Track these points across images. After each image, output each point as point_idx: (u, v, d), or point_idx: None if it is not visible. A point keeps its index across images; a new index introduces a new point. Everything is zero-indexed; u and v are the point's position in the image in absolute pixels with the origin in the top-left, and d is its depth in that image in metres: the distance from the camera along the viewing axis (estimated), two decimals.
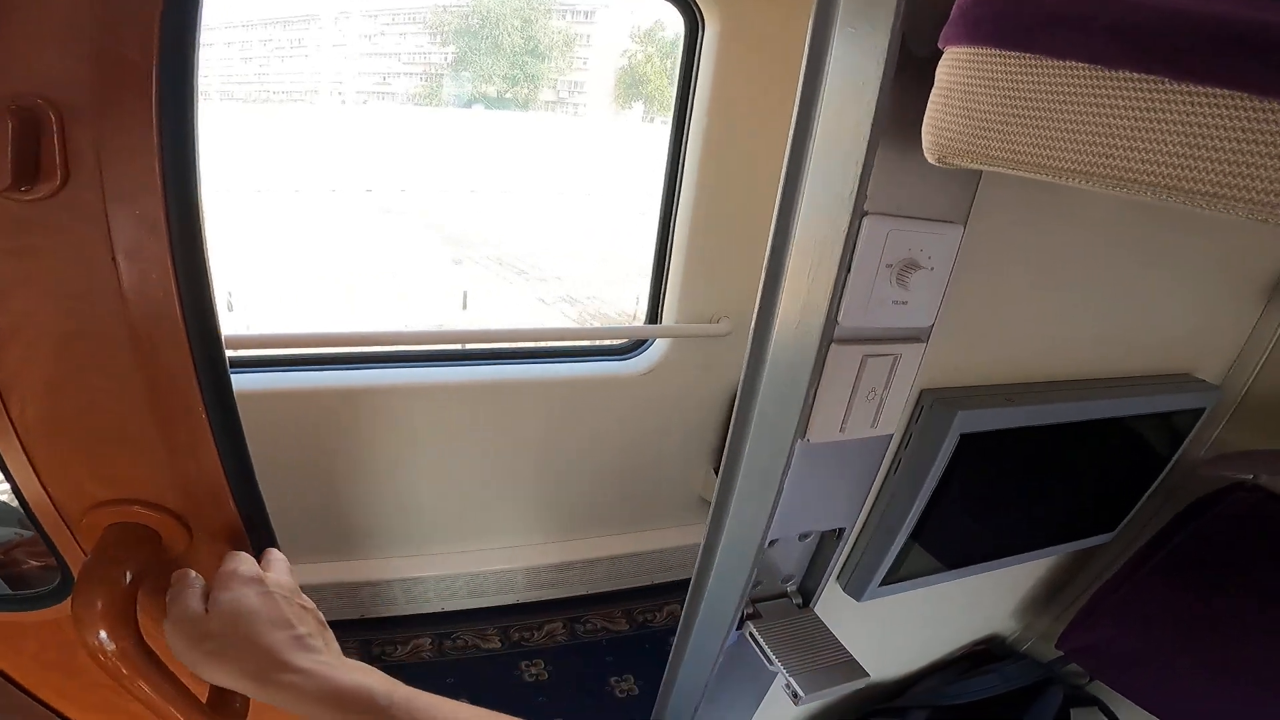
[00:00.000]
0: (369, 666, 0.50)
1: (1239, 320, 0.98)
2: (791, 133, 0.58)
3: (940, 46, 0.44)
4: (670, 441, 2.07)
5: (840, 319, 0.61)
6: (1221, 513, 1.06)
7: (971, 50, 0.41)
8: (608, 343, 2.01)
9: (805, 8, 0.54)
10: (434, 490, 1.88)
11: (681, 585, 2.07)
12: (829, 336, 0.61)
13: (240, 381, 1.49)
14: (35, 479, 0.52)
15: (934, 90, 0.45)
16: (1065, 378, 0.83)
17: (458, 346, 1.89)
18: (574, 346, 1.96)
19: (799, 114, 0.57)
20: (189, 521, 0.57)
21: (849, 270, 0.59)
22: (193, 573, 0.54)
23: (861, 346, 0.65)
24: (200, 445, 0.53)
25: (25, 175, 0.40)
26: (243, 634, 0.48)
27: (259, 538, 0.60)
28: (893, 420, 0.72)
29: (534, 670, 1.87)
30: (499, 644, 1.92)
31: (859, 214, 0.56)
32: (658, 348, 1.94)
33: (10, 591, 0.68)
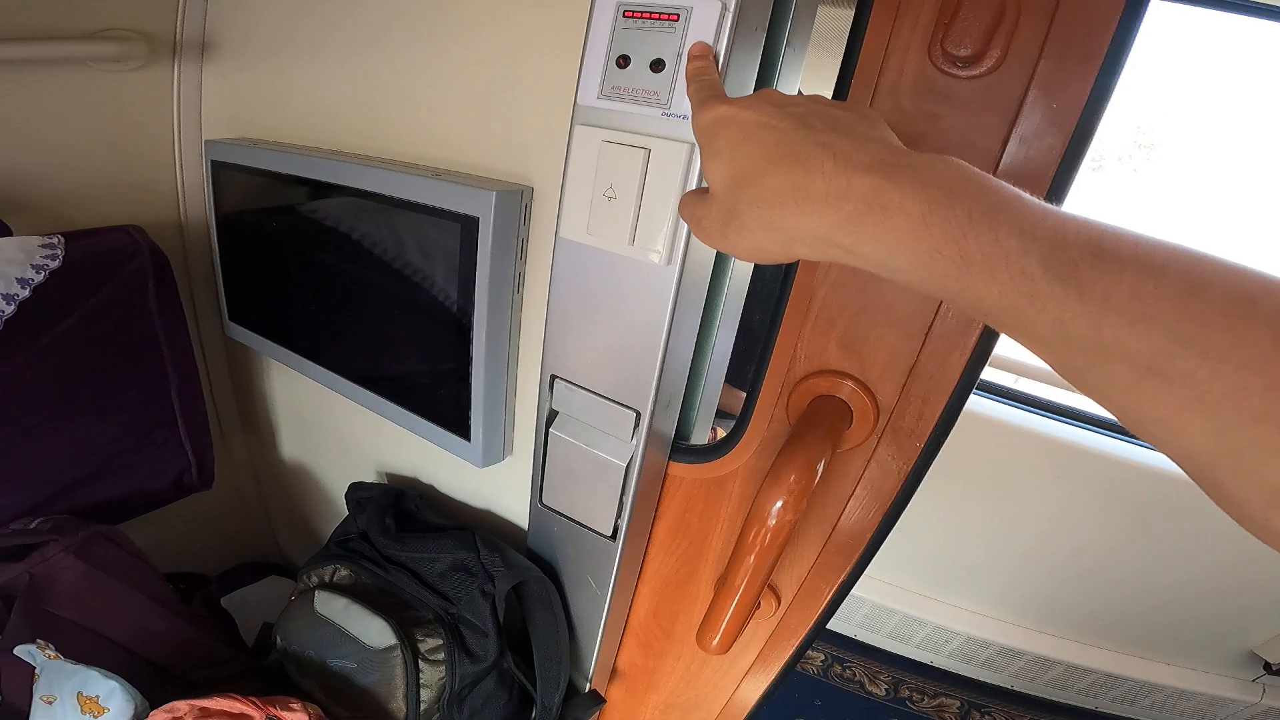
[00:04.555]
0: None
1: None
2: None
3: None
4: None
5: None
6: None
7: None
8: None
9: None
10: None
11: None
12: None
13: None
14: (800, 328, 0.59)
15: None
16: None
17: None
18: None
19: None
20: (882, 420, 0.60)
21: None
22: None
23: None
24: (954, 354, 0.54)
25: (977, 51, 0.45)
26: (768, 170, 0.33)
27: (925, 458, 0.61)
28: None
29: None
30: None
31: None
32: None
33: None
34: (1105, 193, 1.71)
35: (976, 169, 0.28)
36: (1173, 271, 0.22)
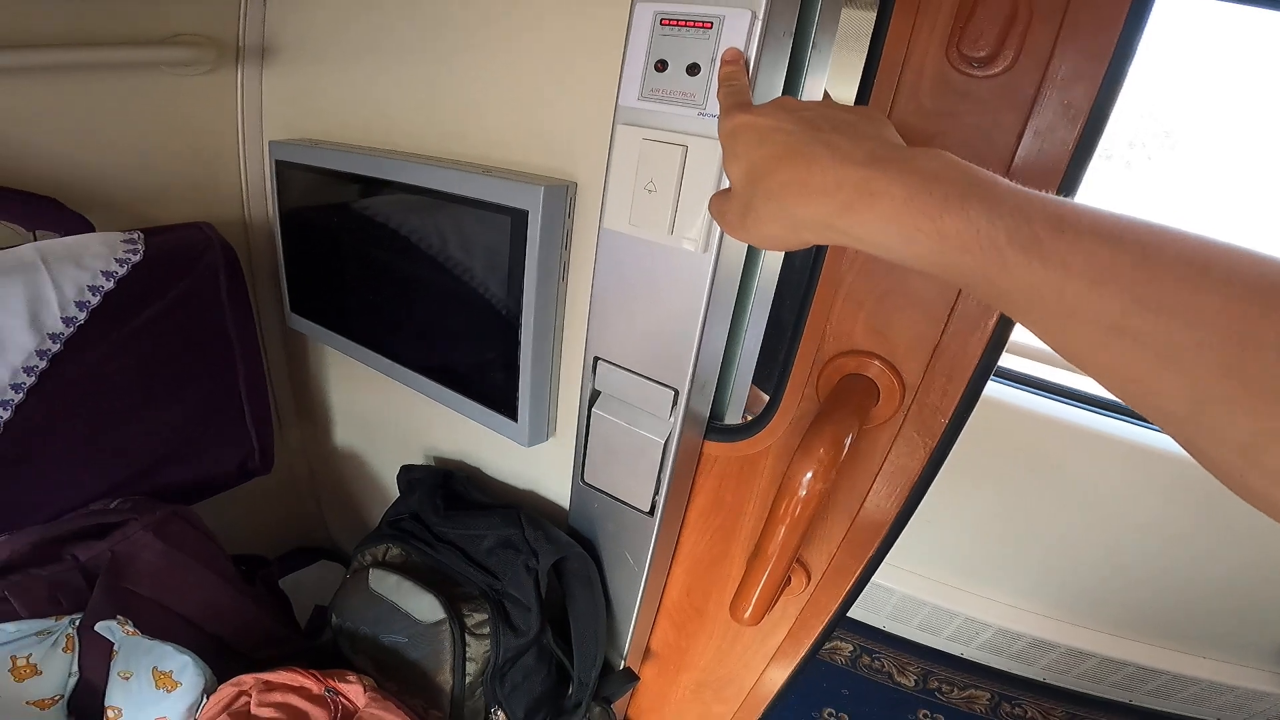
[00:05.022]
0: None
1: None
2: None
3: None
4: None
5: None
6: None
7: None
8: None
9: None
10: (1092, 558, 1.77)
11: None
12: None
13: None
14: (829, 310, 0.63)
15: None
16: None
17: None
18: None
19: None
20: (908, 397, 0.64)
21: None
22: None
23: None
24: (975, 335, 0.58)
25: (992, 53, 0.49)
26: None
27: (950, 434, 0.64)
28: None
29: None
30: None
31: None
32: None
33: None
34: (1123, 179, 1.71)
35: (960, 160, 0.32)
36: (1128, 239, 0.25)
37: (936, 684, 1.82)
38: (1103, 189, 1.61)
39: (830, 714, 1.73)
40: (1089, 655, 1.76)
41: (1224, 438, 0.24)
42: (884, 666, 1.84)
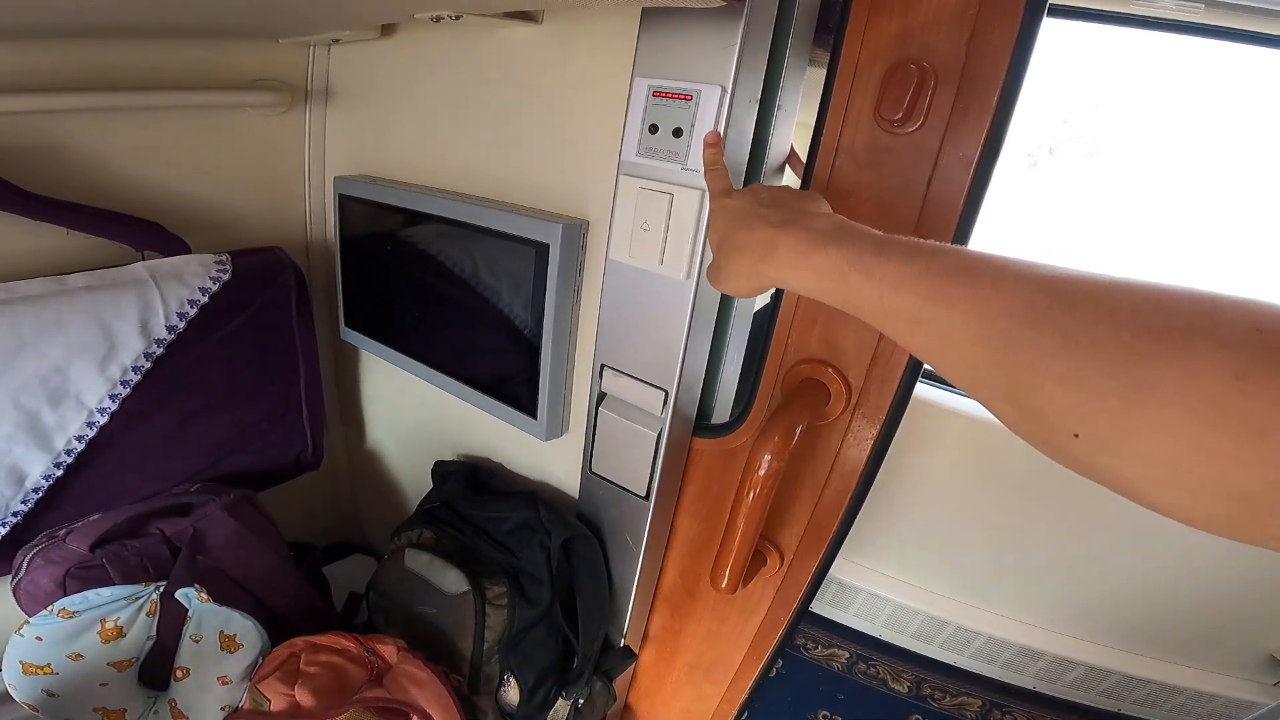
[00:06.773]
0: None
1: None
2: None
3: None
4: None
5: None
6: None
7: None
8: None
9: None
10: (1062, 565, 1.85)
11: None
12: None
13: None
14: (789, 326, 0.77)
15: None
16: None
17: None
18: None
19: None
20: (853, 397, 0.77)
21: None
22: None
23: None
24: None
25: (905, 114, 0.64)
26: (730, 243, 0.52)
27: (889, 428, 0.77)
28: None
29: None
30: None
31: None
32: None
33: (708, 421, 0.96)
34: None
35: (841, 218, 0.46)
36: (920, 256, 0.35)
37: (929, 690, 1.90)
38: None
39: (825, 716, 1.82)
40: (1076, 664, 1.83)
41: (995, 391, 0.30)
42: (879, 673, 1.93)
